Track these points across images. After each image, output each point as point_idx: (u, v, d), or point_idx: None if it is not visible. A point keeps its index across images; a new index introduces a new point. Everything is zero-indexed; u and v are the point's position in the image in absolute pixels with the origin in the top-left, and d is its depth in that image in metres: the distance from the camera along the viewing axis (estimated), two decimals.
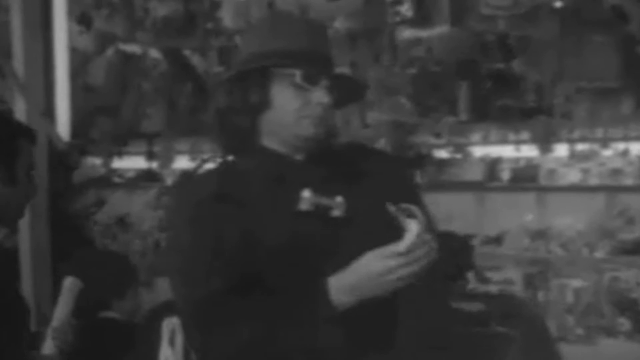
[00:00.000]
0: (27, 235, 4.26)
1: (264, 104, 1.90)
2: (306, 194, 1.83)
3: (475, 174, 4.50)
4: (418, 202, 2.03)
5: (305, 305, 1.77)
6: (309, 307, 1.77)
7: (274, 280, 1.80)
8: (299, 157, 1.91)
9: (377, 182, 1.92)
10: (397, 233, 1.87)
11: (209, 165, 1.98)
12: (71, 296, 3.12)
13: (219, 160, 1.99)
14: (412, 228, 1.73)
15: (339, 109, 2.00)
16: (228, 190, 1.88)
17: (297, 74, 1.87)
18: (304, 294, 1.77)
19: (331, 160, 1.92)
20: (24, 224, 4.25)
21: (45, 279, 4.36)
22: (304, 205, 1.83)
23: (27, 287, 4.27)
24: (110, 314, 3.42)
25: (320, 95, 1.88)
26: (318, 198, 1.83)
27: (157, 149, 5.41)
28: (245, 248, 1.81)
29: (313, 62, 1.90)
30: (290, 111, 1.88)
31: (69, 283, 3.15)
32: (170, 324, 2.37)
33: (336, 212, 1.84)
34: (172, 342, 2.38)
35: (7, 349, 2.25)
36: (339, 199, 1.85)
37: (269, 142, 1.93)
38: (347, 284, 1.76)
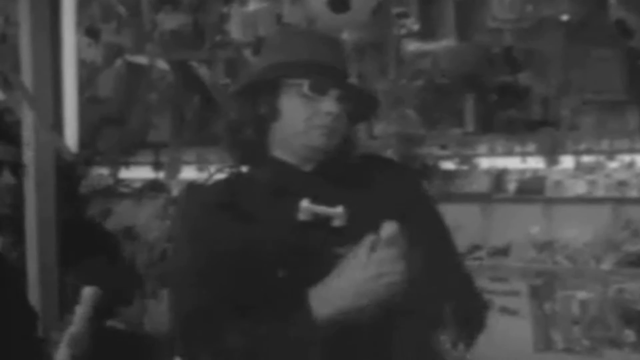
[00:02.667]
0: (34, 245, 4.26)
1: (274, 115, 1.92)
2: (304, 204, 1.82)
3: (481, 185, 4.51)
4: (431, 212, 2.04)
5: (288, 321, 1.75)
6: (292, 322, 1.74)
7: (273, 290, 1.80)
8: (307, 167, 1.91)
9: (387, 193, 1.93)
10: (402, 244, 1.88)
11: (219, 176, 1.99)
12: (91, 305, 3.13)
13: (229, 170, 2.00)
14: (385, 229, 1.72)
15: (355, 124, 2.01)
16: (234, 200, 1.89)
17: (305, 83, 1.89)
18: (287, 309, 1.75)
19: (340, 171, 1.93)
20: (31, 233, 4.26)
21: (52, 289, 4.35)
22: (302, 216, 1.83)
23: (34, 296, 4.27)
24: (113, 323, 3.41)
25: (329, 105, 1.88)
26: (317, 208, 1.83)
27: (164, 159, 5.42)
28: (245, 258, 1.81)
29: (321, 71, 1.91)
30: (299, 121, 1.89)
31: (90, 291, 3.16)
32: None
33: (336, 222, 1.83)
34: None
35: (15, 355, 2.26)
36: (339, 209, 1.84)
37: (280, 153, 1.95)
38: (330, 290, 1.74)
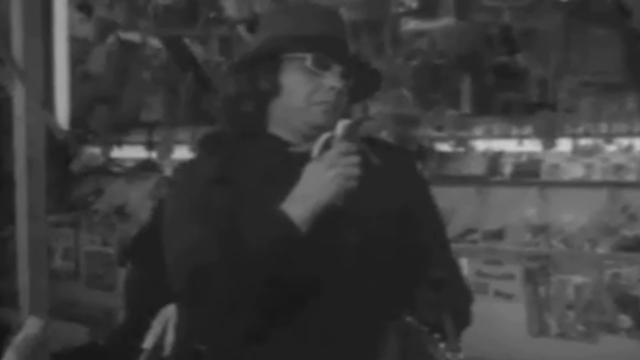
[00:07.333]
0: (24, 225, 4.23)
1: (274, 90, 1.87)
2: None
3: (477, 168, 4.47)
4: (426, 196, 2.00)
5: (267, 227, 1.75)
6: (271, 227, 1.74)
7: (267, 270, 1.76)
8: (305, 146, 1.86)
9: (384, 175, 1.88)
10: (398, 225, 1.84)
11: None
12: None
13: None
14: (339, 126, 1.75)
15: (358, 101, 1.97)
16: (228, 174, 1.85)
17: (308, 57, 1.84)
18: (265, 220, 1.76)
19: None
20: (21, 213, 4.22)
21: (42, 271, 4.33)
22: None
23: (23, 279, 4.24)
24: None
25: (332, 80, 1.83)
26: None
27: (156, 138, 5.39)
28: (238, 234, 1.77)
29: (324, 46, 1.86)
30: (300, 97, 1.85)
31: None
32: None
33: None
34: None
35: None
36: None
37: (277, 129, 1.91)
38: (295, 194, 1.75)
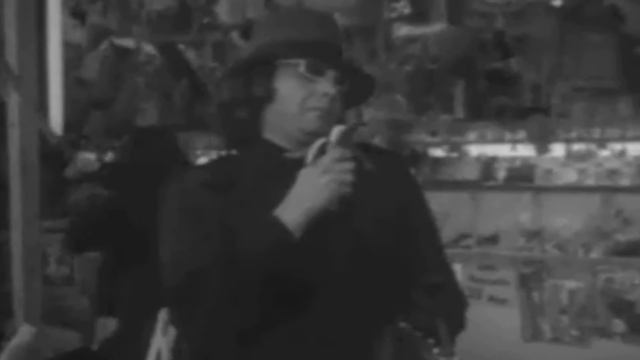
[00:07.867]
0: (18, 231, 4.22)
1: (268, 96, 1.87)
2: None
3: (470, 173, 4.48)
4: (420, 201, 2.00)
5: (261, 232, 1.74)
6: (264, 232, 1.73)
7: (261, 275, 1.76)
8: (300, 152, 1.86)
9: (378, 180, 1.88)
10: (392, 230, 1.84)
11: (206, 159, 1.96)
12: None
13: (220, 153, 1.97)
14: (334, 132, 1.74)
15: (351, 107, 1.97)
16: (220, 180, 1.85)
17: (302, 63, 1.84)
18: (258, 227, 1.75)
19: None
20: (16, 219, 4.21)
21: (36, 277, 4.32)
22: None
23: (18, 284, 4.23)
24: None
25: (326, 86, 1.83)
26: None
27: None
28: (232, 239, 1.77)
29: (318, 52, 1.86)
30: (294, 103, 1.85)
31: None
32: (165, 314, 2.34)
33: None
34: (165, 332, 2.35)
35: None
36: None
37: (271, 135, 1.90)
38: (289, 200, 1.74)
